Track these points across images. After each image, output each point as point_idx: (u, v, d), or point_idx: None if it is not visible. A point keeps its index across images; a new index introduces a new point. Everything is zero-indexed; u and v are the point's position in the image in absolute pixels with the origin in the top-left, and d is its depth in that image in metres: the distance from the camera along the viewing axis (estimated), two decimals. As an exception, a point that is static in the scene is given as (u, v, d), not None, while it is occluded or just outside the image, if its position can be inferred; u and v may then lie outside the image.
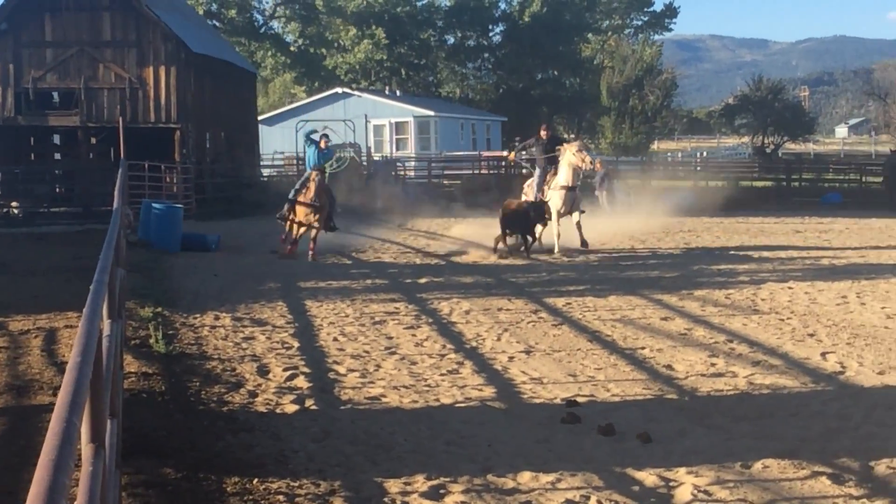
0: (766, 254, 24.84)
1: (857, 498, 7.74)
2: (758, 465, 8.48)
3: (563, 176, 26.06)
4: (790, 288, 19.43)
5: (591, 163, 26.41)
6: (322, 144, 25.67)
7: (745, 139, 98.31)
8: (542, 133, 27.65)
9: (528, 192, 26.92)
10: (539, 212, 25.26)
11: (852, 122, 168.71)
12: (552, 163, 26.54)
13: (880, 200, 45.58)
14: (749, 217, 37.33)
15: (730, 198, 41.21)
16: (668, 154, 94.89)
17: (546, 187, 26.30)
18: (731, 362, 12.77)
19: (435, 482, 8.14)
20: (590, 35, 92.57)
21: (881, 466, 8.43)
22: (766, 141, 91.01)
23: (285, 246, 25.31)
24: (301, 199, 25.08)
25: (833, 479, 8.12)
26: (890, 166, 47.77)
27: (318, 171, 25.19)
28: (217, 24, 78.62)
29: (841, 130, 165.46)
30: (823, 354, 13.24)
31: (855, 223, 36.29)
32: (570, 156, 25.96)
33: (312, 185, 24.95)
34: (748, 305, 17.51)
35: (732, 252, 25.52)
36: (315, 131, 26.86)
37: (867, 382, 11.66)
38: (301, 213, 25.01)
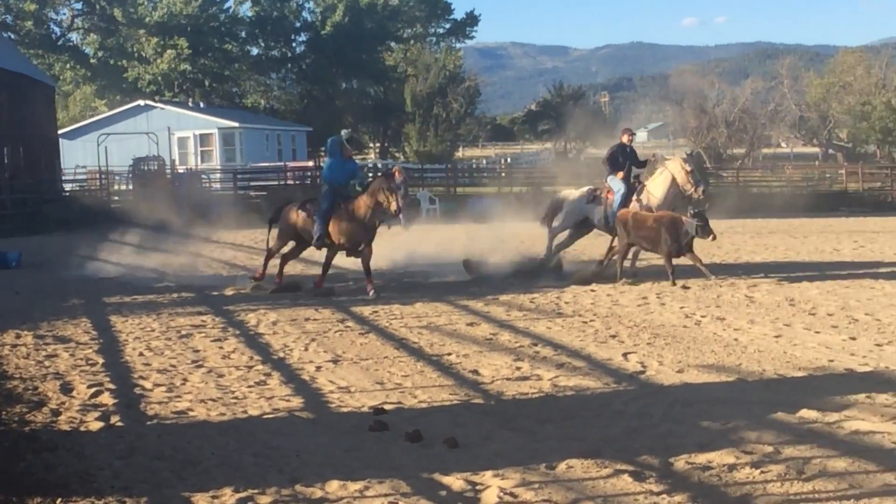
0: (569, 257, 25.21)
1: (658, 493, 7.92)
2: (562, 466, 8.63)
3: (662, 194, 22.08)
4: (593, 290, 19.83)
5: (701, 192, 22.02)
6: (344, 154, 21.49)
7: (548, 145, 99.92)
8: (626, 139, 23.16)
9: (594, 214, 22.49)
10: (704, 225, 20.35)
11: (651, 126, 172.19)
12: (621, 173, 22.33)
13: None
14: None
15: (534, 203, 41.62)
16: (473, 161, 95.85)
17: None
18: (536, 365, 12.97)
19: (243, 494, 8.10)
20: (392, 44, 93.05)
21: (680, 462, 8.65)
22: (568, 146, 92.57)
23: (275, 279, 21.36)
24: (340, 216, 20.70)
25: (634, 476, 8.31)
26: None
27: (400, 171, 20.67)
28: (12, 36, 76.85)
29: (641, 134, 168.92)
30: (625, 355, 13.53)
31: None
32: (678, 170, 22.04)
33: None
34: (552, 309, 17.81)
35: (538, 256, 25.77)
36: (349, 137, 22.49)
37: (667, 381, 11.95)
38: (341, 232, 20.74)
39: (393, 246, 24.02)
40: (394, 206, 20.16)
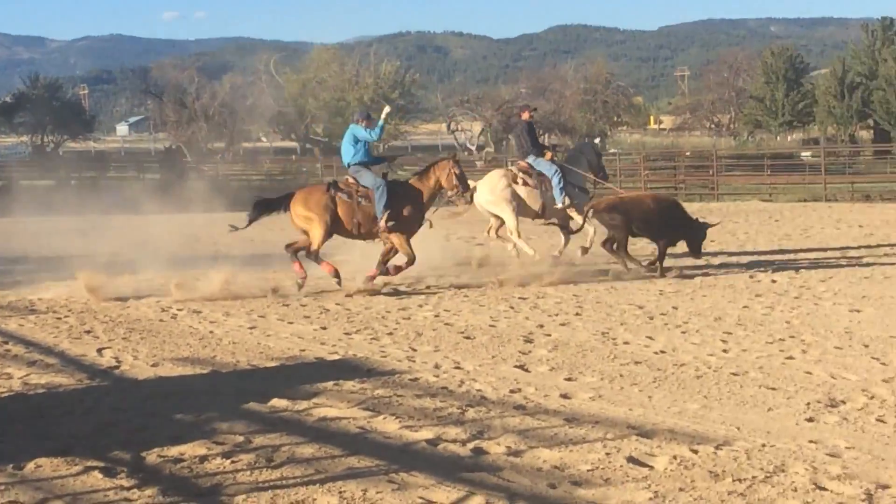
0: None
1: (128, 488, 7.88)
2: (30, 465, 8.42)
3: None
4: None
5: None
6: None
7: (25, 138, 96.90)
8: (528, 115, 22.21)
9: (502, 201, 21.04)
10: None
11: (132, 119, 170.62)
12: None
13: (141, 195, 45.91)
14: (33, 216, 36.29)
15: (12, 198, 40.02)
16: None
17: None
18: (7, 364, 12.58)
19: None
20: None
21: (152, 456, 8.65)
22: (45, 140, 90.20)
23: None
24: None
25: (105, 472, 8.23)
26: (165, 162, 48.98)
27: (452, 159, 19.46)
28: None
29: (122, 128, 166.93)
30: (100, 350, 13.38)
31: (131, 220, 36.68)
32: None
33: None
34: (25, 306, 17.34)
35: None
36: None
37: (141, 375, 11.93)
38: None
39: None
40: (469, 193, 19.84)
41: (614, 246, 19.77)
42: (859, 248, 20.75)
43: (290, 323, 15.25)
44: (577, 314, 15.52)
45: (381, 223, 18.67)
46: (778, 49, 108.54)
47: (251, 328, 14.86)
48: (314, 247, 18.67)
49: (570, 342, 13.34)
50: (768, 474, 7.84)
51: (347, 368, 12.01)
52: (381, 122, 19.17)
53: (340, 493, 7.68)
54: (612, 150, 77.06)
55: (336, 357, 12.77)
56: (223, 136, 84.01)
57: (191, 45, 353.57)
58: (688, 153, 65.60)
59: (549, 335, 13.87)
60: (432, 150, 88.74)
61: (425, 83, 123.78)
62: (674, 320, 14.79)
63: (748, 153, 71.34)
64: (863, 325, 13.97)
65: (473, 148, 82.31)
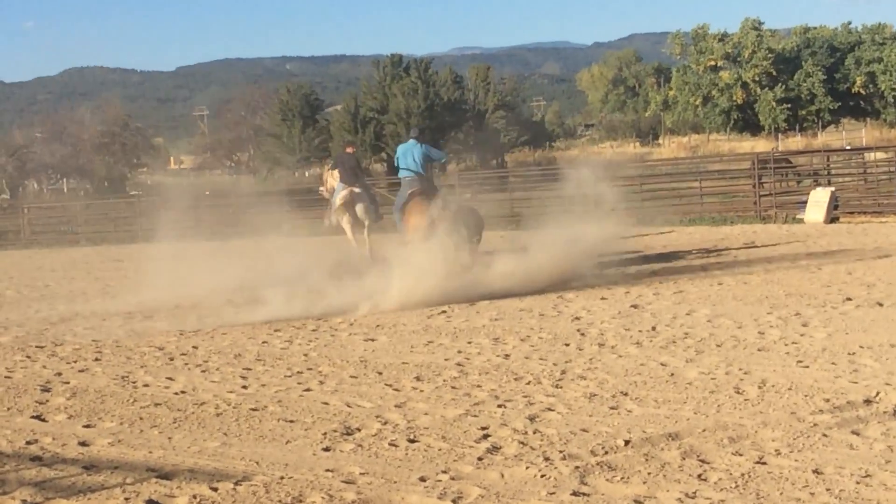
0: None
1: None
2: None
3: None
4: None
5: None
6: None
7: None
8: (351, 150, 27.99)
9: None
10: None
11: None
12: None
13: None
14: None
15: None
16: None
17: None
18: None
19: None
20: None
21: None
22: None
23: None
24: None
25: None
26: None
27: None
28: None
29: None
30: None
31: None
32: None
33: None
34: None
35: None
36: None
37: None
38: None
39: None
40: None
41: None
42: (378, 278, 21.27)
43: None
44: (96, 359, 15.27)
45: None
46: (293, 87, 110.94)
47: None
48: None
49: (88, 388, 13.12)
50: (286, 506, 8.03)
51: None
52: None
53: None
54: (132, 193, 76.25)
55: None
56: None
57: None
58: (207, 192, 65.51)
59: (68, 382, 13.58)
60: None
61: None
62: (194, 360, 14.80)
63: (268, 190, 72.21)
64: (377, 353, 14.45)
65: (-13, 194, 79.38)
